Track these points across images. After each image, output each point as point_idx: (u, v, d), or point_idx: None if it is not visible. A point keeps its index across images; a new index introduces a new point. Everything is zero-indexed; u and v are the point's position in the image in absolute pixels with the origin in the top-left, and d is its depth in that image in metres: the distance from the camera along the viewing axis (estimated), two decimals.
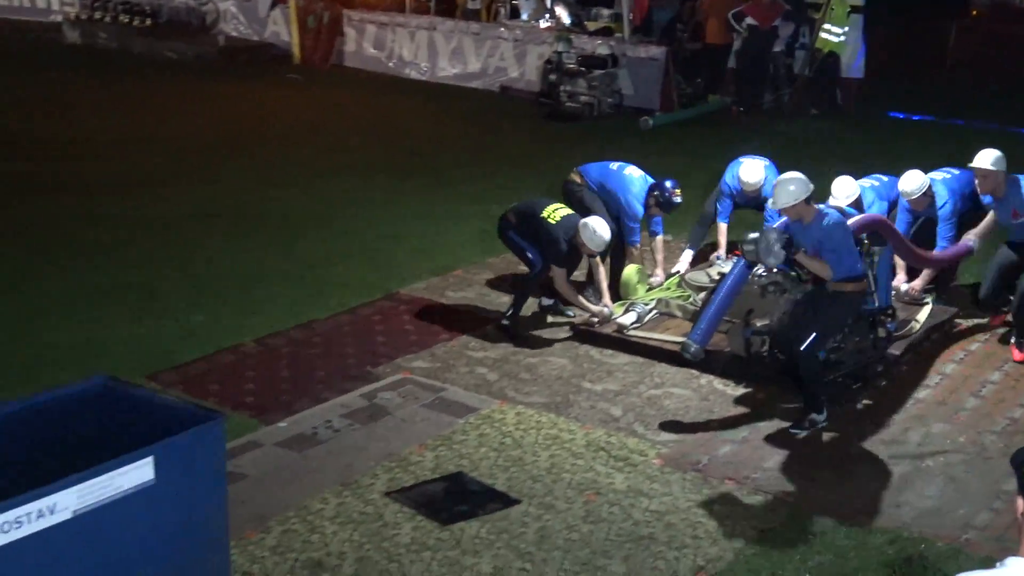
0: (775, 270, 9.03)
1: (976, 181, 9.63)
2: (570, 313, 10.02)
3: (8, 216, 12.12)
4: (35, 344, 9.08)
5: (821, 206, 8.20)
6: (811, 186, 7.95)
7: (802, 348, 7.94)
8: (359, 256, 11.48)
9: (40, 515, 5.30)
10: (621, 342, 9.47)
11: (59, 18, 23.78)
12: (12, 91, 18.40)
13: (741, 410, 8.51)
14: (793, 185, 7.90)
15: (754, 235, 8.02)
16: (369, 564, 6.38)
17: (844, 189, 9.86)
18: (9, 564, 5.21)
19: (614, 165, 10.65)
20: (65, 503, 5.38)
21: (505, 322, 9.68)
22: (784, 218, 8.39)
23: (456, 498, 7.09)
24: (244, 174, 14.24)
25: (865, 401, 8.72)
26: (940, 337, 9.90)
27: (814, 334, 7.95)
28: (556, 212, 9.67)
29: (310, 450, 7.62)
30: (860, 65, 20.10)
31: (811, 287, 8.69)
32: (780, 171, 9.55)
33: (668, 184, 10.33)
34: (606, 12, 21.77)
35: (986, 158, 9.39)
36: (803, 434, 8.06)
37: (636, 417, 8.21)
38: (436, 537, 6.68)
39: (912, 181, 9.97)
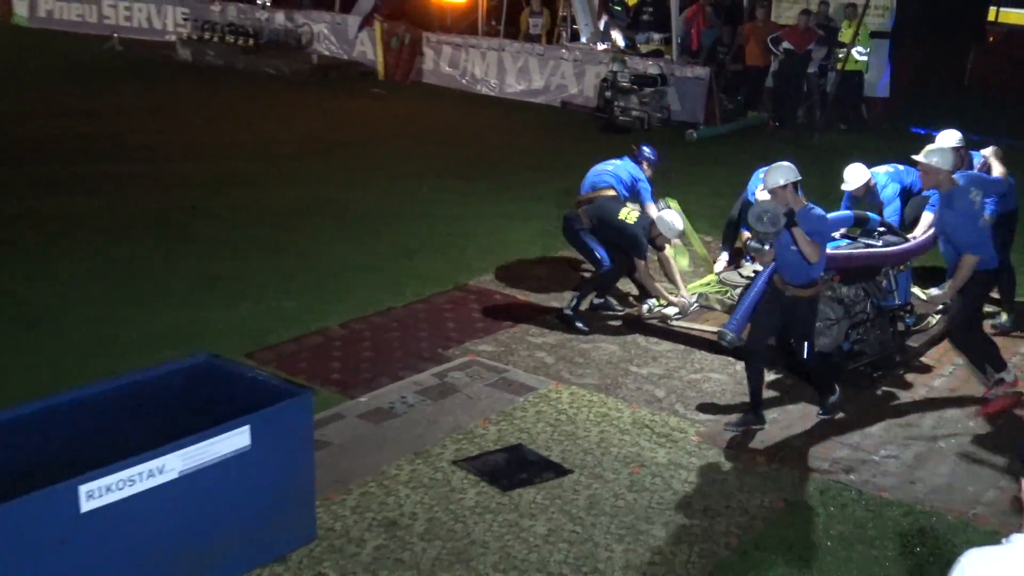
0: None
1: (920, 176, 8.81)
2: (618, 308, 10.01)
3: (129, 211, 12.26)
4: (148, 324, 9.18)
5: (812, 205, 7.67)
6: (799, 176, 7.58)
7: (807, 359, 7.79)
8: (433, 251, 11.52)
9: (150, 475, 5.38)
10: (665, 331, 9.47)
11: (173, 38, 24.01)
12: (132, 100, 18.63)
13: (771, 394, 8.45)
14: (782, 171, 7.57)
15: (762, 205, 7.76)
16: (437, 524, 6.41)
17: (854, 174, 9.75)
18: (123, 517, 5.29)
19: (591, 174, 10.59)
20: (172, 465, 5.45)
21: (568, 312, 9.66)
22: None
23: (515, 467, 7.11)
24: (333, 176, 14.32)
25: (885, 388, 8.65)
26: None
27: (805, 343, 7.75)
28: (631, 214, 9.63)
29: (387, 422, 7.66)
30: (886, 84, 19.92)
31: (842, 288, 8.68)
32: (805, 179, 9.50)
33: (645, 148, 10.59)
34: (657, 36, 21.71)
35: (928, 152, 8.31)
36: (830, 416, 7.97)
37: (677, 398, 8.19)
38: (497, 501, 6.70)
39: (854, 174, 9.80)
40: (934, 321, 9.62)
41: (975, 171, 9.14)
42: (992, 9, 24.82)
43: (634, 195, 10.21)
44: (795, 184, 7.52)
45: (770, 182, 7.60)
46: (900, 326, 9.10)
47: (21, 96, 18.65)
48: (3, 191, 12.85)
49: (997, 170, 9.37)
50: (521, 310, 9.94)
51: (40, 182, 13.32)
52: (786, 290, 7.65)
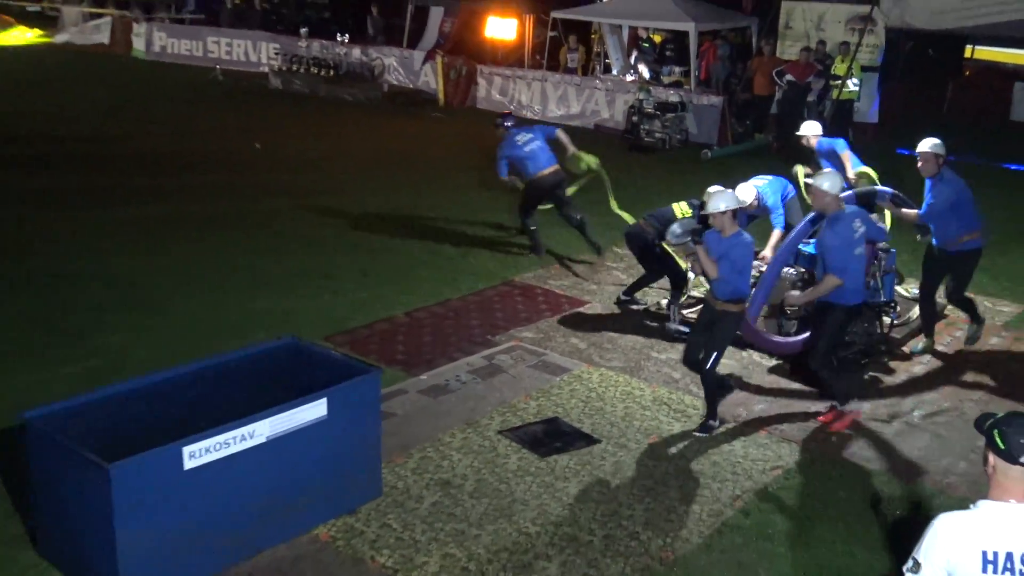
0: (802, 270, 8.89)
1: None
2: (642, 303, 9.92)
3: (229, 215, 12.35)
4: (244, 311, 9.25)
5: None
6: (738, 203, 7.18)
7: (707, 368, 7.22)
8: (484, 251, 11.51)
9: (243, 439, 5.43)
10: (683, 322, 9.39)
11: (266, 69, 24.14)
12: (231, 122, 18.77)
13: (773, 377, 8.39)
14: (723, 198, 7.05)
15: (682, 221, 7.74)
16: (485, 484, 6.42)
17: (745, 193, 9.21)
18: (220, 474, 5.35)
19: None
20: (261, 431, 5.50)
21: (624, 297, 9.76)
22: (811, 213, 8.25)
23: (552, 437, 7.10)
24: (401, 186, 14.33)
25: (871, 373, 8.55)
26: None
27: (714, 353, 7.19)
28: (682, 209, 9.36)
29: (443, 397, 7.68)
30: (875, 111, 19.70)
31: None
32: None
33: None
34: (678, 69, 21.63)
35: (819, 175, 7.57)
36: (707, 434, 7.26)
37: (692, 380, 8.10)
38: (536, 466, 6.70)
39: (745, 193, 9.24)
40: (914, 316, 9.49)
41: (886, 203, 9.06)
42: (968, 47, 24.54)
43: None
44: (734, 212, 7.07)
45: (711, 206, 7.07)
46: (886, 320, 9.00)
47: (136, 117, 18.84)
48: (121, 198, 13.01)
49: (886, 219, 9.39)
50: (559, 302, 9.91)
51: (152, 190, 13.46)
52: (716, 304, 7.20)
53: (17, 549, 5.62)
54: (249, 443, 5.44)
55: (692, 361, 7.45)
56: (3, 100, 19.92)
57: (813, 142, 10.53)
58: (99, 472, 4.89)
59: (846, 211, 7.46)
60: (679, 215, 9.27)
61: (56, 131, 17.20)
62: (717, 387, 7.44)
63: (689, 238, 7.47)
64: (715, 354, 7.20)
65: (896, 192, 9.20)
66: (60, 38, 29.50)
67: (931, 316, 9.06)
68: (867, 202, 9.11)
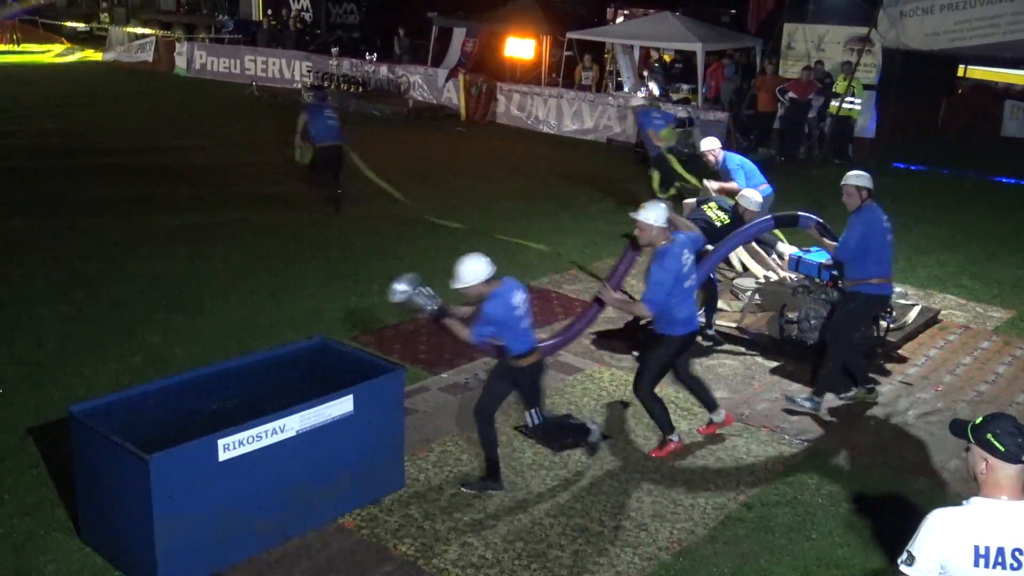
0: (803, 276, 8.83)
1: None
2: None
3: (263, 222, 12.39)
4: (278, 311, 9.27)
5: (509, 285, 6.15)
6: (491, 269, 6.04)
7: (534, 426, 6.28)
8: (502, 256, 11.39)
9: (275, 432, 5.44)
10: None
11: (299, 85, 24.24)
12: (267, 135, 18.82)
13: (775, 378, 8.33)
14: (473, 268, 5.98)
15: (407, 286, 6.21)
16: (501, 476, 6.38)
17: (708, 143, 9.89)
18: (253, 465, 5.35)
19: None
20: (291, 424, 5.50)
21: (711, 332, 8.99)
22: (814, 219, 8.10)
23: (565, 432, 7.05)
24: (425, 196, 14.31)
25: (868, 374, 8.46)
26: (926, 329, 9.57)
27: (533, 410, 6.26)
28: (715, 212, 8.94)
29: (463, 394, 7.66)
30: (873, 127, 19.59)
31: (834, 293, 8.47)
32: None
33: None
34: (685, 87, 21.58)
35: (645, 207, 6.60)
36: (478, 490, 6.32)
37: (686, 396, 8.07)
38: (550, 460, 6.67)
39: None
40: (910, 320, 9.41)
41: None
42: (961, 67, 24.42)
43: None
44: (486, 280, 5.99)
45: (459, 282, 6.02)
46: (882, 324, 8.92)
47: (178, 130, 18.93)
48: (165, 206, 13.07)
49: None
50: (572, 306, 9.88)
51: (193, 199, 13.52)
52: (508, 360, 6.20)
53: (64, 534, 5.65)
54: (280, 436, 5.44)
55: (489, 414, 6.29)
56: (61, 116, 20.10)
57: (718, 155, 10.47)
58: (139, 463, 4.90)
59: (676, 241, 6.57)
60: (715, 220, 8.83)
61: (106, 144, 17.30)
62: (546, 431, 6.53)
63: (428, 309, 6.12)
64: (533, 410, 6.30)
65: (820, 221, 8.21)
66: (108, 56, 29.71)
67: (855, 364, 7.87)
68: (790, 224, 8.57)
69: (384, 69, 23.83)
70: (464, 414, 7.25)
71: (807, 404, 7.60)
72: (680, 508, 6.16)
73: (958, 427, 3.53)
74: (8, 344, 8.29)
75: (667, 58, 22.70)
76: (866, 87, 18.75)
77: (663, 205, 6.69)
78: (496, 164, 17.40)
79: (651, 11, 23.75)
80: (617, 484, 6.41)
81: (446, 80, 22.88)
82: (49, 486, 6.11)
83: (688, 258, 6.60)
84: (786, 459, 6.88)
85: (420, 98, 23.15)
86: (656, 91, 21.00)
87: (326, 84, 23.32)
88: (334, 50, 25.02)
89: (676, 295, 6.49)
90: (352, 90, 23.20)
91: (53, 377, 7.65)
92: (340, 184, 13.16)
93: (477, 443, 6.68)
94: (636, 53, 22.66)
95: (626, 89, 22.14)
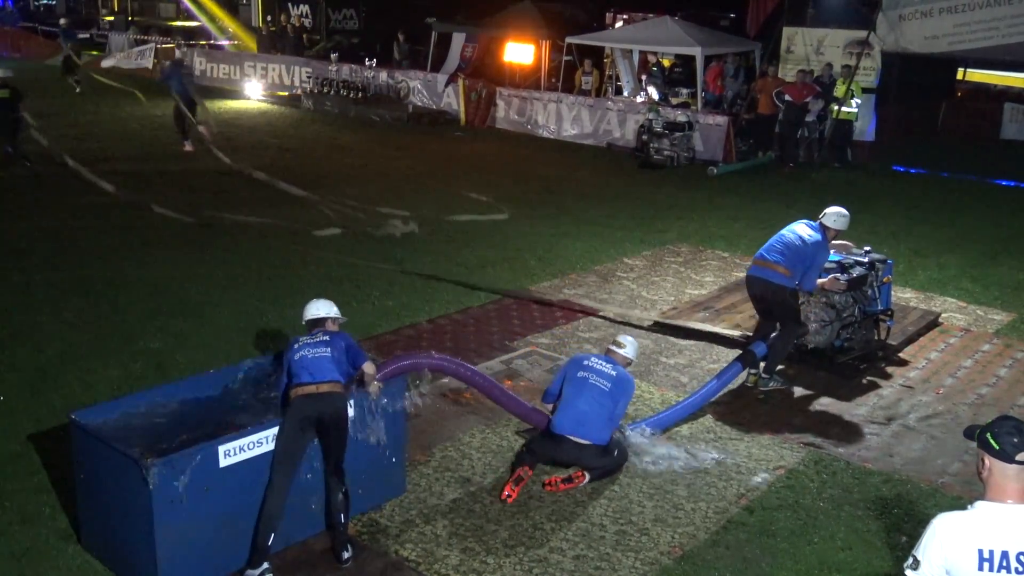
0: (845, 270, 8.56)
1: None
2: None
3: (272, 227, 12.36)
4: (280, 317, 9.21)
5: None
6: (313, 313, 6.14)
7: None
8: (502, 262, 11.47)
9: (273, 439, 5.40)
10: (688, 330, 9.31)
11: (299, 91, 24.24)
12: (267, 140, 18.83)
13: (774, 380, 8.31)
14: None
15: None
16: (503, 481, 6.36)
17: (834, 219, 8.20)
18: (253, 471, 5.33)
19: None
20: None
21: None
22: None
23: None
24: (426, 201, 14.30)
25: (869, 377, 8.46)
26: (927, 332, 9.57)
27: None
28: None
29: (463, 399, 7.64)
30: (872, 131, 19.61)
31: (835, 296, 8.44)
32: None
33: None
34: (685, 91, 21.61)
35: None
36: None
37: (698, 384, 8.07)
38: (551, 465, 6.64)
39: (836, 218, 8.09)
40: (910, 321, 9.40)
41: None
42: (960, 70, 24.44)
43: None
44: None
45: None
46: (883, 327, 8.92)
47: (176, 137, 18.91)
48: (163, 212, 13.07)
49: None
50: (573, 311, 9.86)
51: (191, 204, 13.49)
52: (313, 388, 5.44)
53: (65, 542, 5.63)
54: None
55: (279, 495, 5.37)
56: (63, 123, 20.09)
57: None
58: (140, 469, 4.89)
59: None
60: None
61: (108, 151, 17.29)
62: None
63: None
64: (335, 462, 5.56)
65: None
66: (107, 63, 29.72)
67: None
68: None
69: (384, 74, 23.84)
70: (465, 419, 7.23)
71: (771, 384, 8.02)
72: (681, 512, 6.15)
73: (970, 430, 3.55)
74: (9, 350, 8.28)
75: (666, 62, 22.71)
76: (866, 90, 18.77)
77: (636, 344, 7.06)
78: (495, 169, 17.40)
79: (650, 15, 23.79)
80: (618, 489, 6.40)
81: (445, 85, 22.88)
82: (49, 493, 6.09)
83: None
84: (787, 461, 6.86)
85: (420, 103, 23.16)
86: (655, 95, 21.02)
87: (326, 90, 23.35)
88: (334, 56, 25.03)
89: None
90: (352, 96, 23.20)
91: (53, 384, 7.64)
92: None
93: (478, 447, 6.67)
94: (636, 57, 22.70)
95: (626, 93, 22.17)
